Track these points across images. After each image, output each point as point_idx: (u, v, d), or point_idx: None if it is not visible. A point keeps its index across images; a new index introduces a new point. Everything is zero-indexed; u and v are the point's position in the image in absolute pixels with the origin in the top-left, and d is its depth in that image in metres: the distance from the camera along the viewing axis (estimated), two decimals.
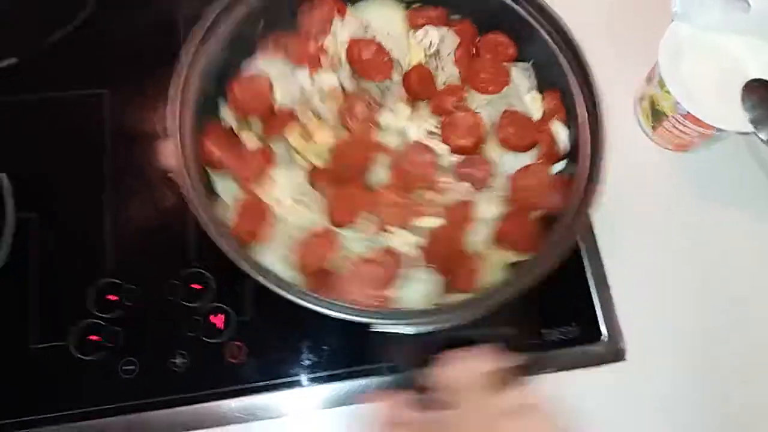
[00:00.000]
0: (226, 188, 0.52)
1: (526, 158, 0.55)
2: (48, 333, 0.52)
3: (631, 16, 0.69)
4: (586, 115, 0.52)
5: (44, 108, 0.60)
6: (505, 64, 0.58)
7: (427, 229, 0.52)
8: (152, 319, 0.53)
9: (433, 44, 0.58)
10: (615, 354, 0.56)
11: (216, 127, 0.53)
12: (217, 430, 0.51)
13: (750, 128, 0.56)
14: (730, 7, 0.59)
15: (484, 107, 0.57)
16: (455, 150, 0.55)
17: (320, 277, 0.50)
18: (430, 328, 0.46)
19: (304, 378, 0.53)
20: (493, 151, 0.55)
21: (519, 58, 0.58)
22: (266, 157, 0.53)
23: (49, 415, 0.50)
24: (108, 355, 0.52)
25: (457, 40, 0.58)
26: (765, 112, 0.55)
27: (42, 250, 0.55)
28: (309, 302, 0.45)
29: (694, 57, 0.59)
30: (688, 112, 0.57)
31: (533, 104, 0.57)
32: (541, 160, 0.55)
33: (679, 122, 0.59)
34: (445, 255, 0.51)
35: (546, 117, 0.56)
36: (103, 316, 0.53)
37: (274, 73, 0.56)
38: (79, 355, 0.52)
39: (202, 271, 0.55)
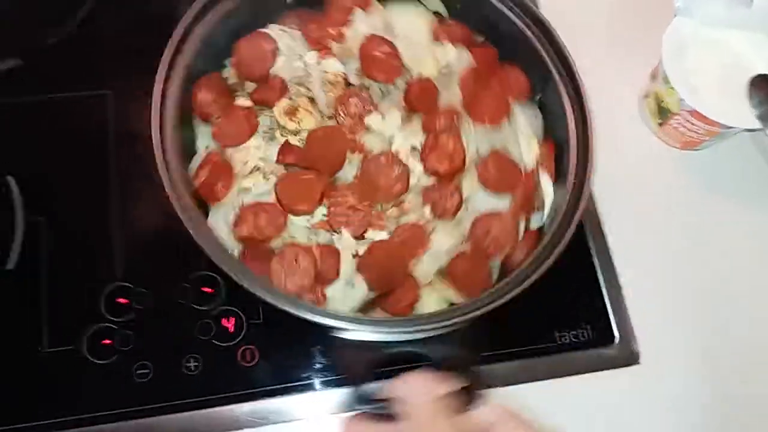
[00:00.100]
0: (203, 144, 0.52)
1: (499, 203, 0.53)
2: (59, 337, 0.52)
3: (634, 12, 0.69)
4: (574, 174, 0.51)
5: (49, 110, 0.60)
6: (511, 100, 0.56)
7: (370, 240, 0.51)
8: (163, 323, 0.53)
9: (449, 63, 0.56)
10: (628, 357, 0.56)
11: (213, 77, 0.53)
12: None
13: (758, 125, 0.56)
14: (732, 3, 0.58)
15: (474, 137, 0.54)
16: (429, 172, 0.53)
17: (257, 252, 0.49)
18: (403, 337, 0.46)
19: (316, 382, 0.53)
20: (468, 183, 0.53)
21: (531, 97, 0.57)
22: (250, 121, 0.53)
23: (61, 419, 0.50)
24: (121, 358, 0.51)
25: (473, 63, 0.56)
26: None
27: (51, 254, 0.55)
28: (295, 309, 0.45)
29: (698, 53, 0.59)
30: (694, 109, 0.57)
31: (527, 151, 0.54)
32: (513, 210, 0.52)
33: (685, 119, 0.59)
34: (381, 270, 0.50)
35: (535, 167, 0.54)
36: (115, 319, 0.52)
37: (284, 45, 0.55)
38: (92, 359, 0.51)
39: (212, 274, 0.55)
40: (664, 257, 0.60)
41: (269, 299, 0.44)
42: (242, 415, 0.51)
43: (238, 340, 0.53)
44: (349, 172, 0.53)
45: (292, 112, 0.53)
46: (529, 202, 0.53)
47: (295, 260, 0.49)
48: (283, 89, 0.54)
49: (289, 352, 0.53)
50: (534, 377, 0.54)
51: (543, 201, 0.54)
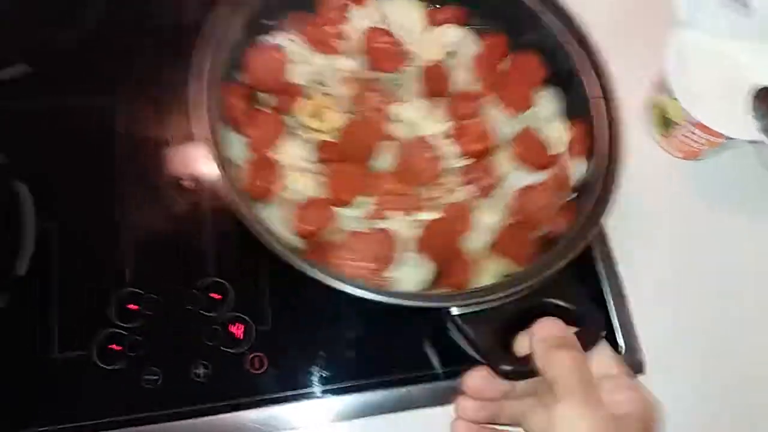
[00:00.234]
0: (238, 153, 0.53)
1: (537, 178, 0.54)
2: (70, 342, 0.52)
3: (636, 22, 0.69)
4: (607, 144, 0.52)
5: (59, 116, 0.60)
6: (531, 89, 0.57)
7: (423, 220, 0.52)
8: (173, 329, 0.53)
9: (451, 43, 0.58)
10: (634, 367, 0.55)
11: (236, 86, 0.54)
12: None
13: (761, 137, 0.56)
14: (735, 13, 0.59)
15: (499, 120, 0.56)
16: (465, 153, 0.55)
17: (317, 245, 0.50)
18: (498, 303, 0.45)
19: (324, 389, 0.53)
20: (504, 162, 0.55)
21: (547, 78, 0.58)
22: (277, 124, 0.54)
23: (69, 425, 0.50)
24: (130, 364, 0.52)
25: (479, 42, 0.58)
26: None
27: (62, 260, 0.55)
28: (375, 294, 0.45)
29: (700, 63, 0.59)
30: (699, 121, 0.57)
31: (558, 134, 0.56)
32: (549, 185, 0.54)
33: (689, 130, 0.60)
34: (439, 248, 0.51)
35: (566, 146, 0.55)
36: (124, 325, 0.53)
37: (291, 51, 0.56)
38: (101, 365, 0.51)
39: (221, 280, 0.55)
40: (669, 266, 0.60)
41: (349, 290, 0.44)
42: (249, 423, 0.51)
43: (245, 346, 0.53)
44: (385, 161, 0.54)
45: (317, 114, 0.54)
46: (563, 179, 0.54)
47: (356, 244, 0.50)
48: (302, 94, 0.55)
49: (297, 359, 0.54)
50: None
51: (574, 176, 0.55)
